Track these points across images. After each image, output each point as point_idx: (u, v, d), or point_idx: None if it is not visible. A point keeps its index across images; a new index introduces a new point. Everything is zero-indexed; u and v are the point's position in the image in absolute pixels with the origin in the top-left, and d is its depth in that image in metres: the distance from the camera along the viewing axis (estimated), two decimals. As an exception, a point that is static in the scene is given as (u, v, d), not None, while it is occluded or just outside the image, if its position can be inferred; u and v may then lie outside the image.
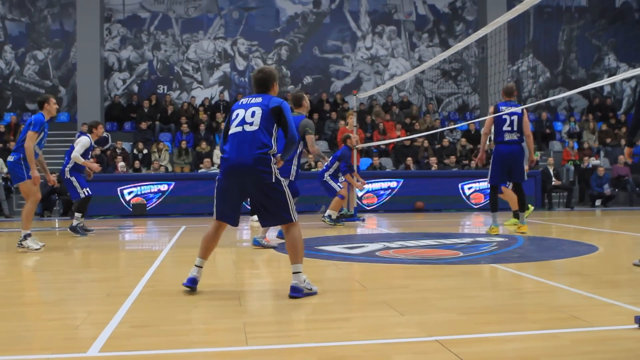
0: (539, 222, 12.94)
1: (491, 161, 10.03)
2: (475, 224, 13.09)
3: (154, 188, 16.35)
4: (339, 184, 11.65)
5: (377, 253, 7.76)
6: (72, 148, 10.77)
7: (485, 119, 10.48)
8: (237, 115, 5.27)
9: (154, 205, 16.29)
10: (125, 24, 23.02)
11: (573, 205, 18.24)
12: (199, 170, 17.86)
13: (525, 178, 10.13)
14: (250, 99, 5.36)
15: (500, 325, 4.22)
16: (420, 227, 12.18)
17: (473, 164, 18.61)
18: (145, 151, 18.94)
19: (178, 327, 4.17)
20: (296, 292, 5.00)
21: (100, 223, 13.96)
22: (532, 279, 5.83)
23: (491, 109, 10.03)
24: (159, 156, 18.75)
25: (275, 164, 5.18)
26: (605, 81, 8.91)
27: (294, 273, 5.08)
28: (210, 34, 23.39)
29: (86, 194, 10.69)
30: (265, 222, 5.44)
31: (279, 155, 5.31)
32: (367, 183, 14.00)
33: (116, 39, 22.97)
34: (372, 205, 16.98)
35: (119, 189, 16.24)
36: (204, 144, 19.08)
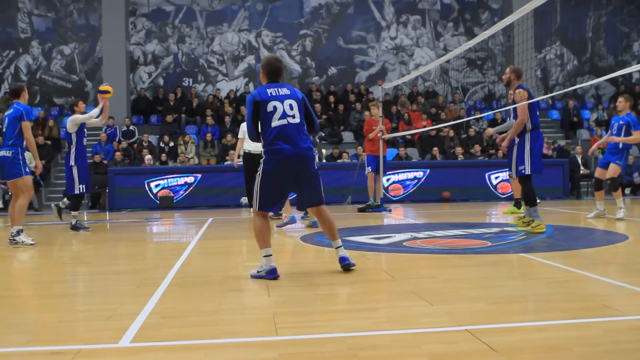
0: (568, 211, 12.82)
1: (530, 148, 8.56)
2: (502, 213, 12.99)
3: (181, 180, 16.46)
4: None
5: (404, 243, 7.74)
6: (68, 135, 10.33)
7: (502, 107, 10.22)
8: (275, 107, 5.44)
9: (180, 197, 16.41)
10: (150, 18, 23.14)
11: (602, 194, 17.98)
12: (225, 163, 17.92)
13: None
14: (276, 89, 5.54)
15: (530, 314, 4.19)
16: (447, 217, 12.13)
17: (500, 153, 18.45)
18: (171, 144, 19.06)
19: (207, 317, 4.19)
20: (349, 260, 5.64)
21: (128, 216, 14.10)
22: (561, 268, 5.78)
23: (525, 93, 8.66)
24: (185, 149, 18.85)
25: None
26: (634, 68, 8.71)
27: (338, 247, 5.67)
28: (234, 26, 23.43)
29: (81, 190, 10.35)
30: (303, 205, 5.85)
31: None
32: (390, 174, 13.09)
33: (141, 32, 23.11)
34: (398, 196, 16.94)
35: (146, 182, 16.38)
36: (229, 136, 19.11)
